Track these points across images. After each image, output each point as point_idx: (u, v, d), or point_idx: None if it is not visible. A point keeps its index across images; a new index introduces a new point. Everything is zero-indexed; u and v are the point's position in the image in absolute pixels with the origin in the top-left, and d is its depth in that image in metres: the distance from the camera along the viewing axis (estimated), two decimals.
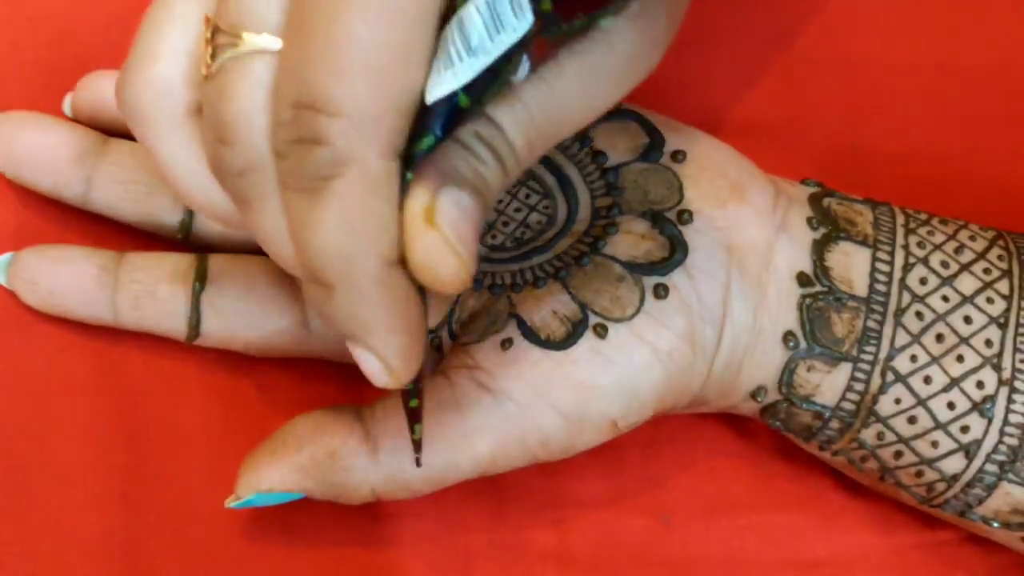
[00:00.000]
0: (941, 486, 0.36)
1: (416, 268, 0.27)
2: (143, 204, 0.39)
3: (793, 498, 0.40)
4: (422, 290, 0.28)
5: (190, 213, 0.39)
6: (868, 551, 0.39)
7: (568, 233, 0.37)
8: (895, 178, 0.43)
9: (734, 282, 0.35)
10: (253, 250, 0.38)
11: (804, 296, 0.35)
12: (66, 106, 0.41)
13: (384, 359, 0.28)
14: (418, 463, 0.33)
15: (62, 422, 0.38)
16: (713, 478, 0.40)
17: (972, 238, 0.36)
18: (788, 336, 0.35)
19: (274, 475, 0.34)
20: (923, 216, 0.37)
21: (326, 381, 0.39)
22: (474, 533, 0.38)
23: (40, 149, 0.38)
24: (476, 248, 0.27)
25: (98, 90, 0.40)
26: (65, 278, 0.38)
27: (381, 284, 0.27)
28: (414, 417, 0.32)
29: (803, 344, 0.35)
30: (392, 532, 0.38)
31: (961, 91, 0.44)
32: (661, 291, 0.35)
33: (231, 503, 0.35)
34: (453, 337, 0.36)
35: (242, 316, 0.37)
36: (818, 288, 0.35)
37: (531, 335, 0.35)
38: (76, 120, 0.40)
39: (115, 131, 0.40)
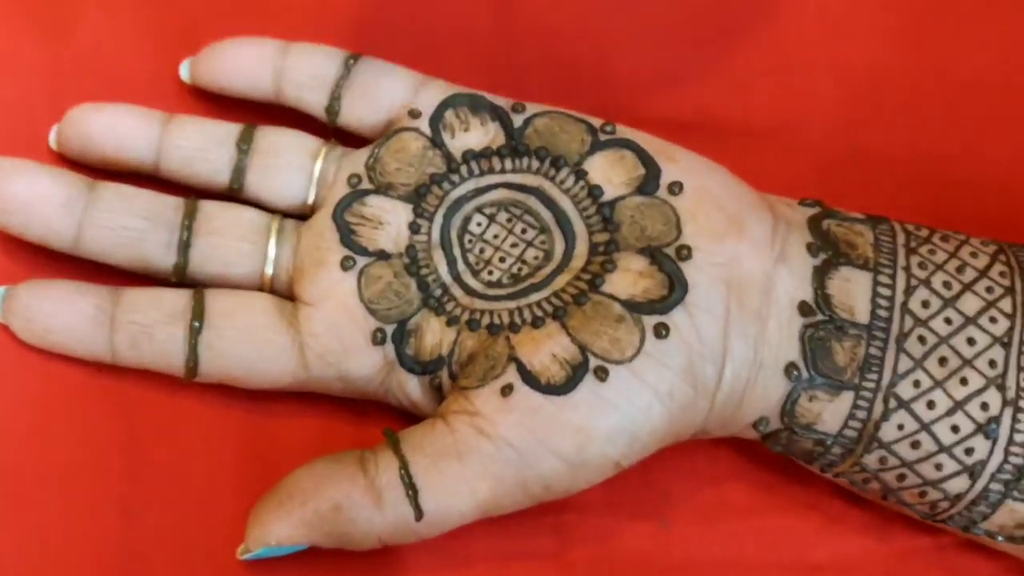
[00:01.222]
0: (945, 504, 0.35)
1: None
2: (135, 249, 0.38)
3: (793, 503, 0.40)
4: None
5: (184, 256, 0.38)
6: (868, 556, 0.39)
7: (566, 269, 0.36)
8: (894, 183, 0.43)
9: (734, 318, 0.35)
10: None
11: (806, 326, 0.35)
12: (52, 139, 0.40)
13: None
14: (417, 516, 0.34)
15: (62, 431, 0.38)
16: (713, 484, 0.40)
17: (974, 255, 0.36)
18: (790, 367, 0.35)
19: (281, 530, 0.34)
20: (924, 233, 0.37)
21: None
22: (474, 539, 0.38)
23: (26, 197, 0.37)
24: None
25: (85, 125, 0.39)
26: (61, 317, 0.37)
27: None
28: None
29: (805, 375, 0.35)
30: None
31: (961, 95, 0.44)
32: (662, 331, 0.34)
33: (242, 555, 0.35)
34: (452, 377, 0.36)
35: (240, 359, 0.37)
36: (819, 317, 0.35)
37: (531, 380, 0.34)
38: (62, 154, 0.40)
39: (103, 167, 0.39)
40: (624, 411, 0.34)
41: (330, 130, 0.40)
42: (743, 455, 0.40)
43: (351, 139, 0.40)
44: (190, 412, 0.39)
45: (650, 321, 0.34)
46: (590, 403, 0.34)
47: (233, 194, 0.39)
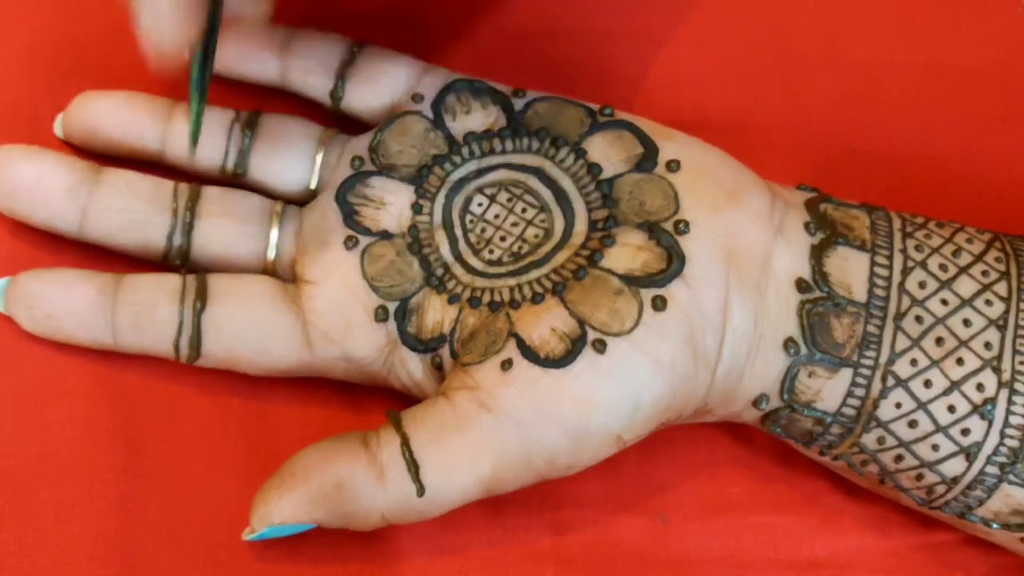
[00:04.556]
0: (941, 488, 0.35)
1: None
2: (139, 232, 0.38)
3: (791, 499, 0.40)
4: None
5: (187, 238, 0.38)
6: (866, 552, 0.39)
7: (565, 246, 0.37)
8: (892, 179, 0.43)
9: (733, 289, 0.35)
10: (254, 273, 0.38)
11: (804, 302, 0.35)
12: (57, 127, 0.40)
13: (149, 27, 0.32)
14: (419, 492, 0.34)
15: (60, 423, 0.38)
16: (711, 479, 0.40)
17: (969, 240, 0.36)
18: (789, 342, 0.35)
19: (285, 508, 0.34)
20: (920, 220, 0.37)
21: (323, 381, 0.39)
22: (472, 534, 0.38)
23: (33, 181, 0.38)
24: None
25: (90, 112, 0.40)
26: (63, 301, 0.37)
27: None
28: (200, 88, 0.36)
29: (804, 350, 0.35)
30: (390, 532, 0.38)
31: (958, 92, 0.44)
32: (659, 303, 0.35)
33: (247, 536, 0.35)
34: (454, 355, 0.36)
35: (243, 336, 0.37)
36: (817, 294, 0.35)
37: (530, 354, 0.34)
38: (68, 142, 0.40)
39: (109, 154, 0.40)
40: (624, 382, 0.34)
41: (333, 118, 0.41)
42: (741, 450, 0.40)
43: (353, 128, 0.41)
44: (189, 404, 0.39)
45: (648, 294, 0.35)
46: (589, 375, 0.34)
47: (237, 180, 0.40)
